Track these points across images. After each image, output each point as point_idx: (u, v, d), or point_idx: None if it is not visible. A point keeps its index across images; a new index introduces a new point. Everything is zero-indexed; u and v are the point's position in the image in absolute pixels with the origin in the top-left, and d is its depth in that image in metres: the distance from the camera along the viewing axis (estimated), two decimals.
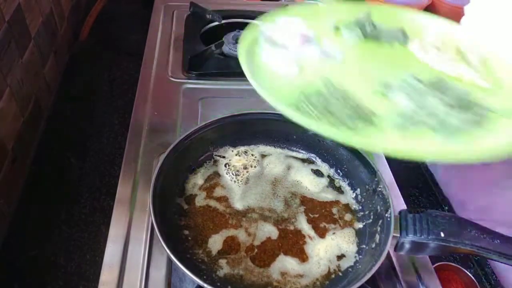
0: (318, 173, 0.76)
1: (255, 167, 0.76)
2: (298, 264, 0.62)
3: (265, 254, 0.63)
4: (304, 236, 0.66)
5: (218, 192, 0.71)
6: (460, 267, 0.75)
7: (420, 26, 0.72)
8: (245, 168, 0.75)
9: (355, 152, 0.71)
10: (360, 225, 0.68)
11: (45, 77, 0.99)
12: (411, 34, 0.70)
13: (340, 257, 0.64)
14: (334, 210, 0.70)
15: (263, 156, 0.78)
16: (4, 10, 0.78)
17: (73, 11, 1.23)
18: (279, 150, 0.79)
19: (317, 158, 0.78)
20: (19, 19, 0.85)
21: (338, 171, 0.76)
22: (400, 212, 0.62)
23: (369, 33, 0.69)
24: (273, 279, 0.61)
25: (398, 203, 0.74)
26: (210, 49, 1.00)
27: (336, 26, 0.70)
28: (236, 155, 0.77)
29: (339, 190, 0.73)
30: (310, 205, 0.70)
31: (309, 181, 0.74)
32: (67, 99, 1.04)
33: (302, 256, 0.64)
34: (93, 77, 1.10)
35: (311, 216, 0.69)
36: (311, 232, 0.66)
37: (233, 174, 0.74)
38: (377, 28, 0.70)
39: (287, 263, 0.62)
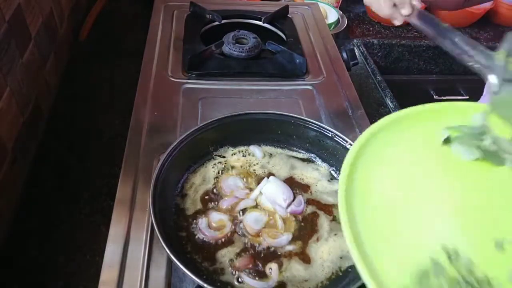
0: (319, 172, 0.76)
1: (255, 166, 0.75)
2: (302, 266, 0.62)
3: (268, 255, 0.63)
4: (309, 238, 0.66)
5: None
6: None
7: None
8: (246, 167, 0.75)
9: None
10: None
11: (45, 77, 0.99)
12: None
13: (341, 257, 0.64)
14: (336, 213, 0.70)
15: (265, 156, 0.78)
16: (4, 10, 0.78)
17: (73, 11, 1.23)
18: (279, 150, 0.79)
19: (317, 158, 0.78)
20: (19, 19, 0.85)
21: (338, 172, 0.75)
22: None
23: (488, 149, 0.54)
24: (274, 280, 0.60)
25: None
26: (210, 49, 1.00)
27: (447, 137, 0.54)
28: (236, 155, 0.77)
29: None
30: (316, 206, 0.70)
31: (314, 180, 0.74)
32: (67, 99, 1.03)
33: (305, 258, 0.64)
34: (93, 77, 1.10)
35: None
36: (320, 234, 0.66)
37: (234, 174, 0.74)
38: (495, 140, 0.54)
39: (290, 265, 0.62)
